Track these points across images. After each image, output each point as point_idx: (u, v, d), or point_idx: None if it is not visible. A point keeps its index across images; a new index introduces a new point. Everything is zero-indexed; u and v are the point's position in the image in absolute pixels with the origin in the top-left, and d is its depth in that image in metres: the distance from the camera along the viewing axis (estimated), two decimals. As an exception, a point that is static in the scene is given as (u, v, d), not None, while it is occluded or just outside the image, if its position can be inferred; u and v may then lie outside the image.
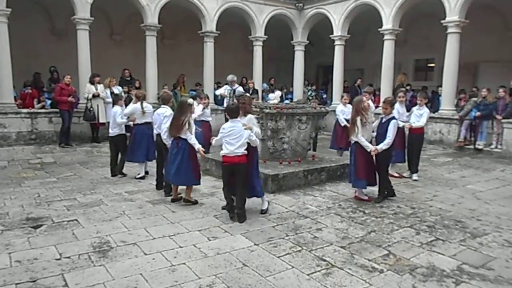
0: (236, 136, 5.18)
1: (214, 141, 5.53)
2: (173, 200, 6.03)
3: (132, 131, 7.61)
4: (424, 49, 14.90)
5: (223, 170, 5.46)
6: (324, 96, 17.10)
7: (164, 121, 6.29)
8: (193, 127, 5.84)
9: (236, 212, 5.26)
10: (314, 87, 16.84)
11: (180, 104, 5.93)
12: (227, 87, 11.11)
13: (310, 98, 14.99)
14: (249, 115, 5.59)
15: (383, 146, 6.03)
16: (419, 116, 7.61)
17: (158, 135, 6.53)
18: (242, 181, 5.27)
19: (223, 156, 5.29)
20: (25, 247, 4.31)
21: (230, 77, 11.09)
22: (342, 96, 9.83)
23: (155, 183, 6.81)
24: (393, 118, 6.23)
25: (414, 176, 7.74)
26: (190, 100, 6.02)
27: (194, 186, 6.06)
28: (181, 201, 5.98)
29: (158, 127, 6.55)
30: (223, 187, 5.46)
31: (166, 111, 6.42)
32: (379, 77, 13.43)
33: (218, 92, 11.51)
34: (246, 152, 5.24)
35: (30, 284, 3.54)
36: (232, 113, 5.39)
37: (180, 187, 6.04)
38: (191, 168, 5.79)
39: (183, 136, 5.70)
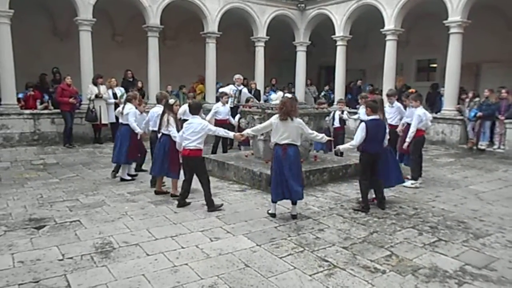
0: (190, 131, 5.60)
1: (178, 146, 5.93)
2: (156, 192, 6.43)
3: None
4: (426, 49, 14.87)
5: (182, 161, 5.87)
6: (332, 96, 17.10)
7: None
8: (173, 124, 6.15)
9: (206, 202, 5.66)
10: (327, 88, 16.95)
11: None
12: (232, 86, 11.10)
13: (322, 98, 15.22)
14: (296, 120, 5.33)
15: (345, 145, 6.01)
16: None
17: (152, 131, 6.98)
18: (199, 173, 5.71)
19: (182, 148, 5.73)
20: (28, 247, 4.33)
21: (236, 76, 11.09)
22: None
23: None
24: (367, 120, 5.85)
25: (406, 182, 6.97)
26: (171, 100, 6.42)
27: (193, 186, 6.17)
28: (170, 197, 6.25)
29: (153, 125, 6.95)
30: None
31: (160, 110, 6.76)
32: (381, 77, 13.40)
33: (222, 89, 11.51)
34: (199, 146, 5.66)
35: (33, 284, 3.55)
36: (191, 109, 5.91)
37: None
38: (170, 161, 6.15)
39: (164, 132, 6.13)
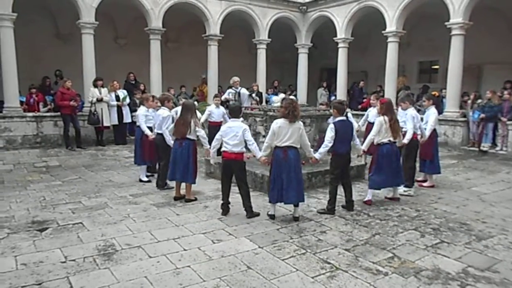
0: (232, 135, 5.46)
1: (212, 156, 6.00)
2: (176, 198, 6.25)
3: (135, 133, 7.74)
4: (428, 51, 14.87)
5: (222, 165, 5.72)
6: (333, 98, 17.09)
7: (164, 122, 6.70)
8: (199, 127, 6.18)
9: (244, 208, 5.53)
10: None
11: (183, 105, 6.33)
12: (230, 90, 11.14)
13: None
14: (299, 122, 5.35)
15: (319, 150, 5.77)
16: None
17: (157, 134, 6.90)
18: (241, 179, 5.57)
19: (223, 151, 5.59)
20: (30, 250, 4.34)
21: (235, 79, 11.13)
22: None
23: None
24: (336, 121, 5.78)
25: (401, 189, 6.62)
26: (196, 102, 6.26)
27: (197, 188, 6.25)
28: (183, 201, 6.20)
29: (157, 127, 6.91)
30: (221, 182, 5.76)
31: (163, 113, 6.81)
32: (383, 79, 13.40)
33: (223, 97, 11.58)
34: (243, 150, 5.52)
35: (35, 287, 3.57)
36: (232, 113, 5.74)
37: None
38: (194, 165, 6.11)
39: (189, 137, 6.03)
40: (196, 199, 6.25)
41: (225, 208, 5.66)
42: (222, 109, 9.56)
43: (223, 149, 5.60)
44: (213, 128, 9.16)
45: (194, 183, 6.24)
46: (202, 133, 6.18)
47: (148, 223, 5.25)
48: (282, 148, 5.26)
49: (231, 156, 5.51)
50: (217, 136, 5.68)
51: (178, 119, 6.17)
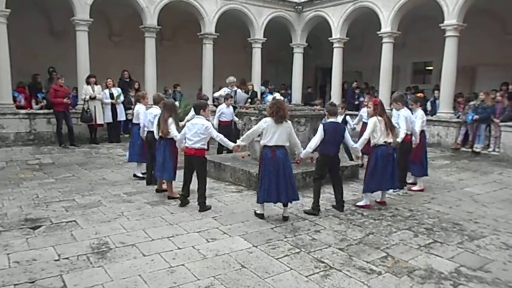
0: (194, 132, 5.63)
1: (178, 145, 6.04)
2: (157, 191, 6.57)
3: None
4: (422, 52, 14.96)
5: (184, 160, 5.87)
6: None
7: (155, 120, 6.70)
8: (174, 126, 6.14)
9: (198, 202, 5.74)
10: None
11: (164, 104, 6.46)
12: (226, 89, 11.14)
13: None
14: (288, 122, 5.37)
15: (304, 151, 5.73)
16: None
17: (149, 132, 6.87)
18: (200, 173, 5.75)
19: (185, 147, 5.78)
20: (23, 248, 4.31)
21: (231, 79, 11.13)
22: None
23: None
24: (326, 122, 5.85)
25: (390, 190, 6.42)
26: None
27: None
28: (167, 198, 6.28)
29: (149, 125, 6.90)
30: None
31: (155, 111, 6.84)
32: (378, 79, 13.47)
33: (216, 94, 11.58)
34: (203, 147, 5.72)
35: (28, 285, 3.54)
36: (195, 109, 5.90)
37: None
38: (170, 164, 6.18)
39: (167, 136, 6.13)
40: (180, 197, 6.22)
41: (183, 200, 5.87)
42: (231, 109, 9.64)
43: (185, 144, 5.76)
44: (224, 127, 9.31)
45: (172, 179, 6.29)
46: (173, 133, 6.05)
47: (142, 221, 5.24)
48: (270, 148, 5.26)
49: (191, 151, 5.68)
50: (182, 131, 5.83)
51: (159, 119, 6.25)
